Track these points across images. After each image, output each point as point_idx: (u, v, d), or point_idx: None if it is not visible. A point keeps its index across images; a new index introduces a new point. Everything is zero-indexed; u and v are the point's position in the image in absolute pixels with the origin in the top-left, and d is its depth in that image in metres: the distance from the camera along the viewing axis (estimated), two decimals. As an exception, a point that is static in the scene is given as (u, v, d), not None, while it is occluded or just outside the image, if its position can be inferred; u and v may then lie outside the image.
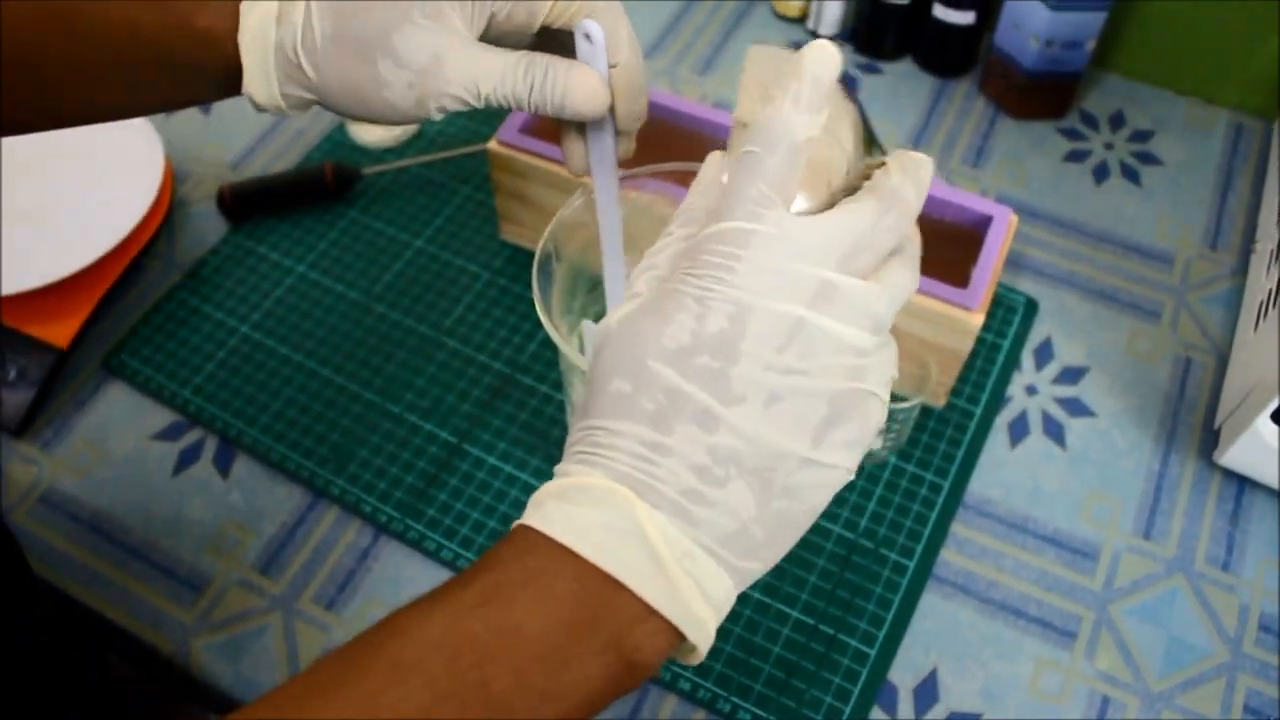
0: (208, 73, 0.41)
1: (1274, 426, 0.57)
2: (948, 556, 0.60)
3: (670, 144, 0.63)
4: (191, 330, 0.70)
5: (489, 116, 0.80)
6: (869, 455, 0.63)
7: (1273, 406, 0.56)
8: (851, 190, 0.32)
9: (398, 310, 0.70)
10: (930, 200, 0.61)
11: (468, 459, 0.63)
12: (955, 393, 0.66)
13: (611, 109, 0.42)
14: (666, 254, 0.33)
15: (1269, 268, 0.65)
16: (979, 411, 0.65)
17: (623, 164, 0.45)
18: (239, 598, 0.59)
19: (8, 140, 0.72)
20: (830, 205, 0.32)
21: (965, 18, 0.78)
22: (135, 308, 0.71)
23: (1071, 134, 0.80)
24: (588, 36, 0.40)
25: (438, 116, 0.41)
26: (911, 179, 0.32)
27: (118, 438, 0.66)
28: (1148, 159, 0.79)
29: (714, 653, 0.56)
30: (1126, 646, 0.57)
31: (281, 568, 0.60)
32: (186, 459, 0.65)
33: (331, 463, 0.63)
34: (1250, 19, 0.75)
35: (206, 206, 0.77)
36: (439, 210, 0.76)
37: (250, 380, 0.67)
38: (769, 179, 0.31)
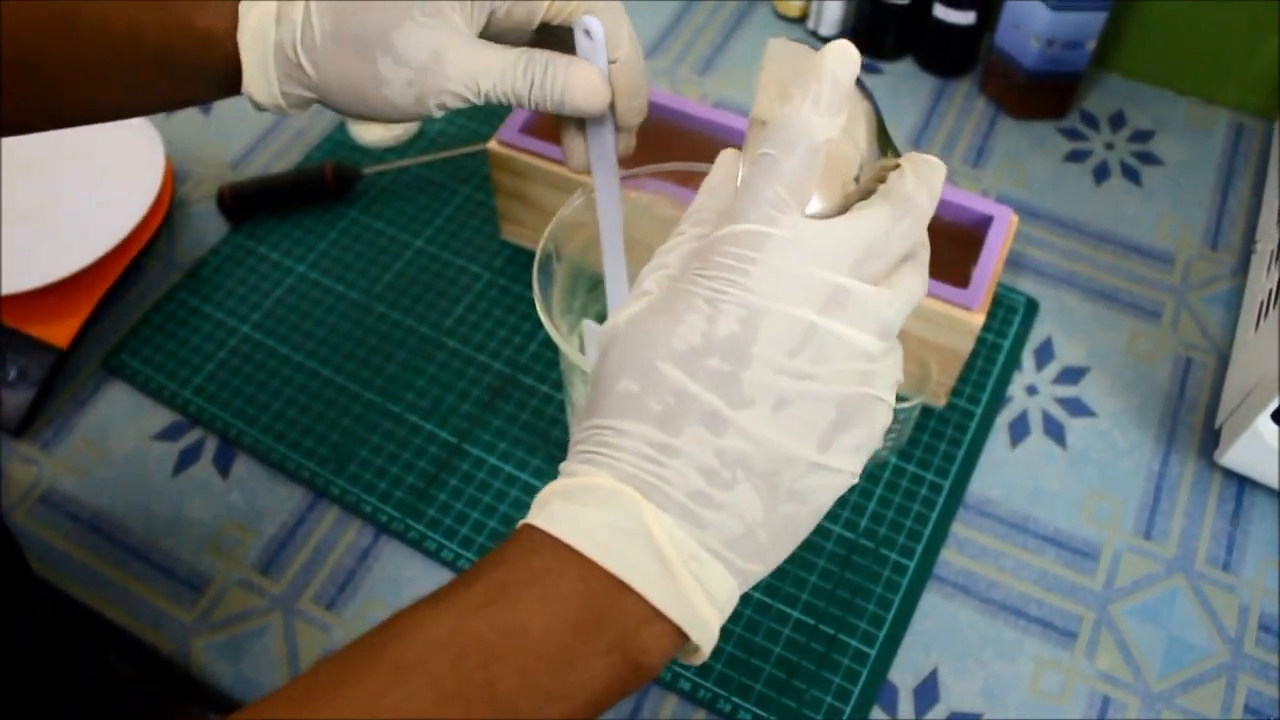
0: (208, 72, 0.41)
1: (1274, 426, 0.57)
2: (948, 556, 0.60)
3: (671, 144, 0.63)
4: (192, 330, 0.70)
5: (489, 116, 0.80)
6: (871, 455, 0.63)
7: (1273, 406, 0.56)
8: (866, 192, 0.32)
9: (398, 310, 0.70)
10: (931, 200, 0.61)
11: (468, 459, 0.63)
12: (956, 393, 0.66)
13: (612, 105, 0.42)
14: (677, 253, 0.33)
15: (1269, 268, 0.65)
16: (979, 411, 0.65)
17: (623, 160, 0.45)
18: (239, 598, 0.59)
19: (8, 140, 0.72)
20: (844, 206, 0.32)
21: (966, 18, 0.78)
22: (135, 308, 0.71)
23: (1072, 134, 0.80)
24: (587, 33, 0.40)
25: (438, 114, 0.41)
26: (925, 185, 0.31)
27: (118, 438, 0.66)
28: (1148, 159, 0.79)
29: (714, 653, 0.56)
30: (1127, 646, 0.57)
31: (282, 568, 0.60)
32: (187, 459, 0.65)
33: (332, 463, 0.63)
34: (1250, 19, 0.75)
35: (207, 206, 0.77)
36: (439, 210, 0.76)
37: (250, 380, 0.67)
38: (785, 181, 0.30)
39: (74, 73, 0.42)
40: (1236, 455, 0.60)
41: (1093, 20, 0.73)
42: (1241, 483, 0.63)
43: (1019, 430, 0.65)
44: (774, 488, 0.30)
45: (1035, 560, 0.60)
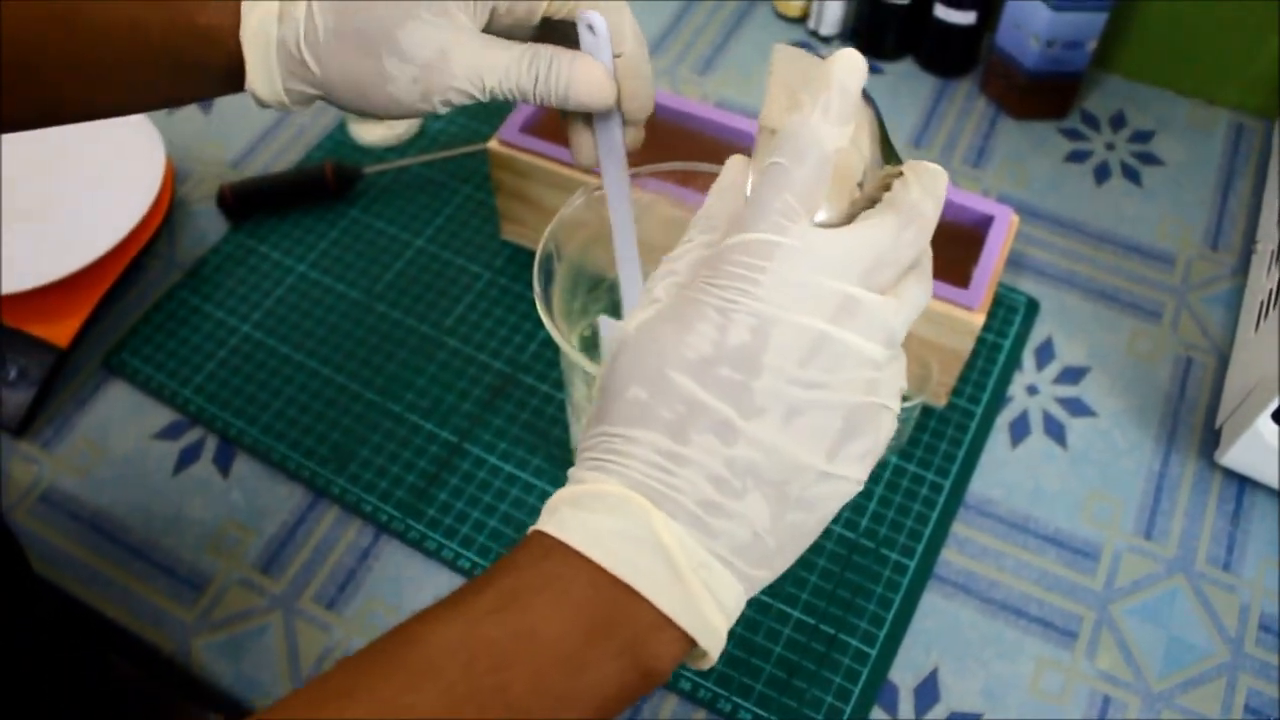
0: (210, 70, 0.41)
1: (1275, 426, 0.57)
2: (949, 556, 0.60)
3: (671, 144, 0.63)
4: (192, 329, 0.70)
5: (490, 116, 0.80)
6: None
7: (1273, 406, 0.56)
8: (870, 200, 0.32)
9: (398, 310, 0.70)
10: (931, 200, 0.61)
11: (468, 459, 0.63)
12: (956, 392, 0.66)
13: (618, 100, 0.42)
14: (686, 260, 0.33)
15: (1269, 268, 0.65)
16: (980, 411, 0.65)
17: (632, 154, 0.45)
18: (239, 597, 0.59)
19: (8, 139, 0.72)
20: (850, 215, 0.32)
21: (966, 18, 0.78)
22: (136, 307, 0.71)
23: (1072, 134, 0.80)
24: (590, 28, 0.40)
25: (442, 110, 0.41)
26: (930, 194, 0.32)
27: (118, 437, 0.66)
28: (1149, 159, 0.79)
29: (715, 652, 0.56)
30: (1127, 646, 0.57)
31: (282, 567, 0.60)
32: (187, 458, 0.65)
33: (332, 462, 0.63)
34: (1251, 19, 0.75)
35: (207, 206, 0.77)
36: (440, 210, 0.76)
37: (251, 379, 0.67)
38: (795, 190, 0.30)
39: (74, 71, 0.42)
40: (1237, 455, 0.60)
41: (1093, 20, 0.73)
42: (1242, 483, 0.63)
43: (1019, 430, 0.65)
44: (783, 496, 0.30)
45: (1036, 560, 0.60)
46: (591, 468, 0.31)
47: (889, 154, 0.33)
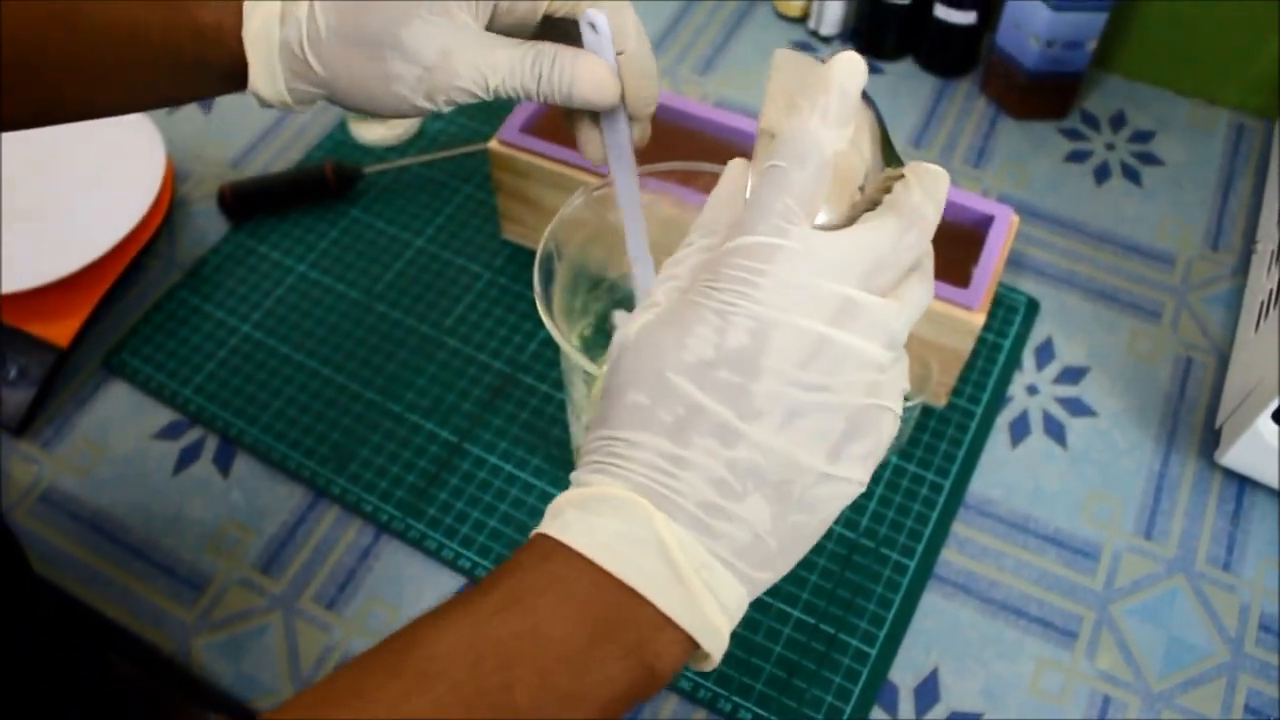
0: (213, 69, 0.41)
1: (1275, 426, 0.57)
2: (949, 556, 0.60)
3: (671, 144, 0.63)
4: (192, 329, 0.70)
5: (490, 115, 0.80)
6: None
7: (1273, 406, 0.56)
8: (871, 202, 0.32)
9: (398, 310, 0.70)
10: (931, 200, 0.61)
11: (468, 458, 0.63)
12: (956, 392, 0.66)
13: (623, 97, 0.42)
14: (686, 264, 0.33)
15: (1269, 268, 0.65)
16: (980, 411, 0.65)
17: (639, 150, 0.45)
18: (240, 597, 0.59)
19: (8, 139, 0.72)
20: (851, 217, 0.32)
21: (966, 18, 0.78)
22: (136, 307, 0.71)
23: (1072, 134, 0.80)
24: (592, 26, 0.40)
25: (446, 109, 0.41)
26: (931, 196, 0.32)
27: (118, 437, 0.66)
28: (1149, 159, 0.79)
29: (715, 652, 0.56)
30: (1127, 646, 0.57)
31: (282, 567, 0.60)
32: (187, 458, 0.65)
33: (332, 462, 0.63)
34: (1251, 19, 0.75)
35: (207, 205, 0.77)
36: (440, 209, 0.76)
37: (251, 379, 0.67)
38: (795, 194, 0.30)
39: (74, 71, 0.42)
40: (1237, 455, 0.60)
41: (1093, 20, 0.73)
42: (1242, 483, 0.63)
43: (1019, 430, 0.65)
44: (784, 498, 0.31)
45: (1036, 560, 0.60)
46: (594, 470, 0.31)
47: (890, 156, 0.33)
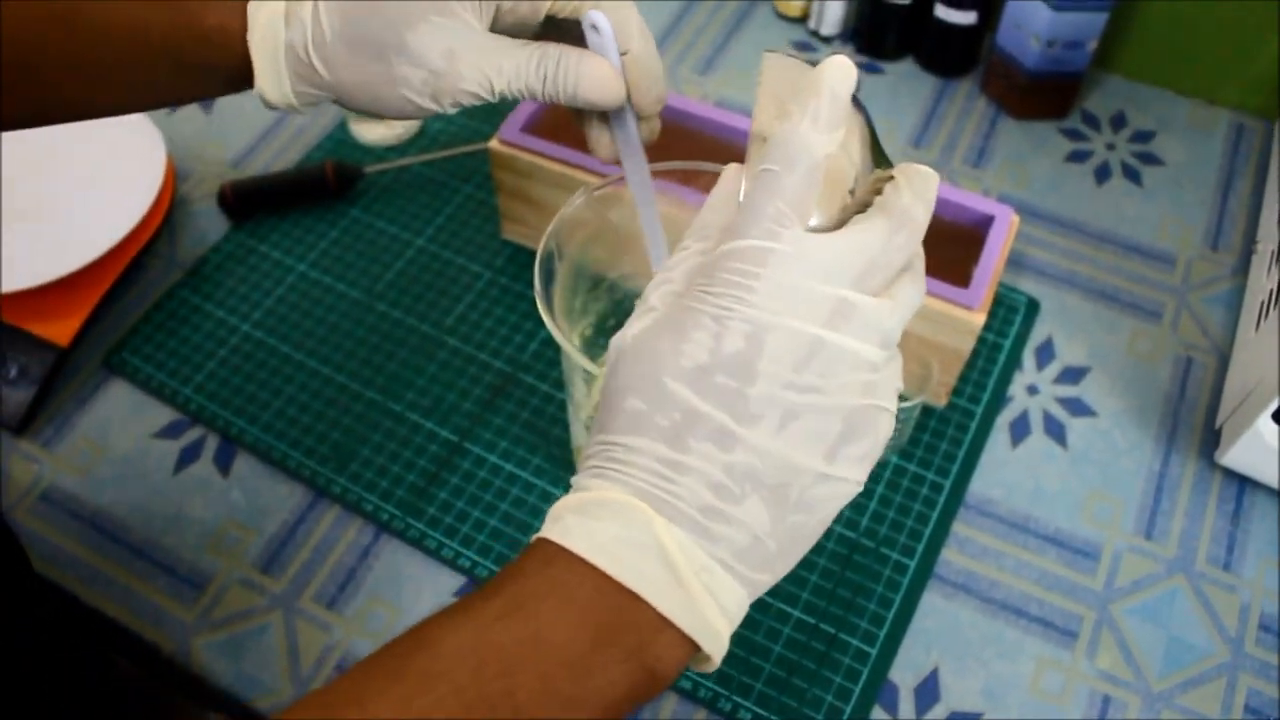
0: (217, 70, 0.41)
1: (1275, 426, 0.57)
2: (949, 556, 0.60)
3: (672, 143, 0.63)
4: (192, 329, 0.70)
5: (490, 115, 0.80)
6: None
7: (1273, 406, 0.56)
8: (862, 204, 0.32)
9: (399, 309, 0.70)
10: (932, 200, 0.61)
11: (469, 458, 0.63)
12: (957, 392, 0.66)
13: (630, 96, 0.42)
14: (682, 269, 0.33)
15: (1270, 268, 0.65)
16: (980, 411, 0.65)
17: (648, 147, 0.45)
18: (240, 596, 0.59)
19: (8, 138, 0.72)
20: (842, 219, 0.32)
21: (967, 18, 0.79)
22: (136, 306, 0.71)
23: (1073, 134, 0.80)
24: (595, 28, 0.40)
25: (451, 111, 0.41)
26: (920, 197, 0.32)
27: (118, 436, 0.66)
28: (1149, 159, 0.79)
29: (715, 652, 0.56)
30: (1127, 646, 0.57)
31: (282, 566, 0.60)
32: (187, 457, 0.65)
33: (332, 461, 0.63)
34: (1251, 20, 0.75)
35: (208, 205, 0.77)
36: (440, 209, 0.76)
37: (251, 379, 0.67)
38: (787, 197, 0.31)
39: (74, 71, 0.42)
40: (1237, 455, 0.60)
41: (1094, 20, 0.73)
42: (1242, 483, 0.63)
43: (1020, 430, 0.65)
44: (782, 500, 0.31)
45: (1036, 560, 0.60)
46: (594, 475, 0.32)
47: (880, 159, 0.33)
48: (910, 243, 0.32)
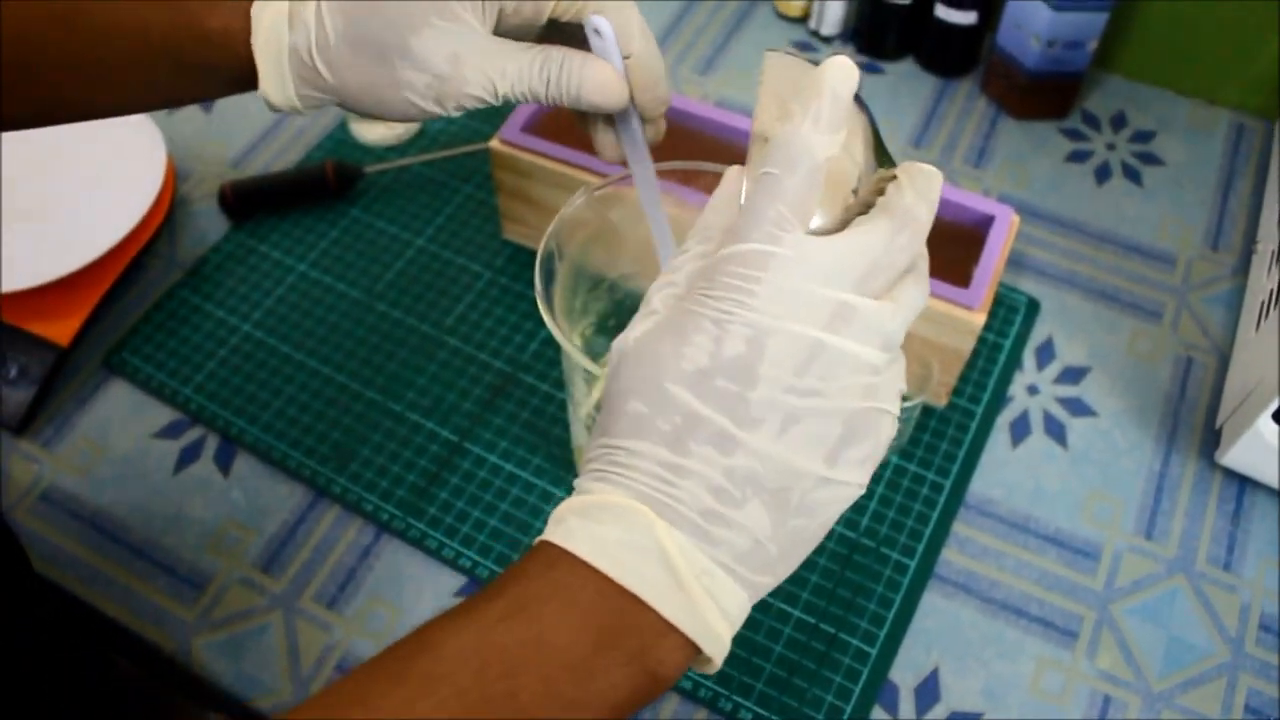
0: (219, 72, 0.41)
1: (1275, 426, 0.57)
2: (949, 556, 0.60)
3: (672, 143, 0.63)
4: (193, 328, 0.70)
5: (491, 115, 0.80)
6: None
7: (1274, 406, 0.56)
8: (864, 204, 0.32)
9: (399, 309, 0.70)
10: (932, 200, 0.61)
11: (469, 458, 0.63)
12: (957, 392, 0.66)
13: (633, 97, 0.42)
14: (684, 272, 0.33)
15: (1270, 268, 0.65)
16: (980, 411, 0.65)
17: (653, 148, 0.45)
18: (240, 596, 0.59)
19: (9, 138, 0.72)
20: (844, 220, 0.32)
21: (967, 18, 0.79)
22: (136, 306, 0.71)
23: (1073, 134, 0.80)
24: (597, 32, 0.40)
25: (455, 114, 0.41)
26: (923, 197, 0.32)
27: (119, 436, 0.66)
28: (1149, 159, 0.79)
29: (715, 652, 0.56)
30: (1128, 646, 0.57)
31: (283, 566, 0.60)
32: (187, 457, 0.65)
33: (333, 461, 0.63)
34: (1251, 20, 0.75)
35: (208, 205, 0.77)
36: (440, 209, 0.76)
37: (251, 379, 0.67)
38: (788, 200, 0.30)
39: (75, 72, 0.42)
40: (1237, 455, 0.60)
41: (1094, 20, 0.73)
42: (1242, 483, 0.63)
43: (1020, 430, 0.65)
44: (783, 503, 0.31)
45: (1036, 560, 0.60)
46: (596, 478, 0.32)
47: (883, 158, 0.33)
48: (913, 243, 0.32)
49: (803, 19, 0.87)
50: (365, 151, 0.79)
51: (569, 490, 0.62)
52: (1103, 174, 0.78)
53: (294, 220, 0.75)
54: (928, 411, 0.65)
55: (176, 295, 0.71)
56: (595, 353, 0.57)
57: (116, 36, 0.41)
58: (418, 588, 0.59)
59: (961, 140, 0.80)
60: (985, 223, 0.61)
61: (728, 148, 0.65)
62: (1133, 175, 0.78)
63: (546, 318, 0.46)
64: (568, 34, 0.42)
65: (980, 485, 0.63)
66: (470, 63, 0.39)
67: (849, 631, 0.57)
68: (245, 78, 0.41)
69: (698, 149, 0.64)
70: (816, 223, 0.32)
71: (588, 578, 0.30)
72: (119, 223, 0.69)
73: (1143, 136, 0.80)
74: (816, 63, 0.32)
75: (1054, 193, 0.77)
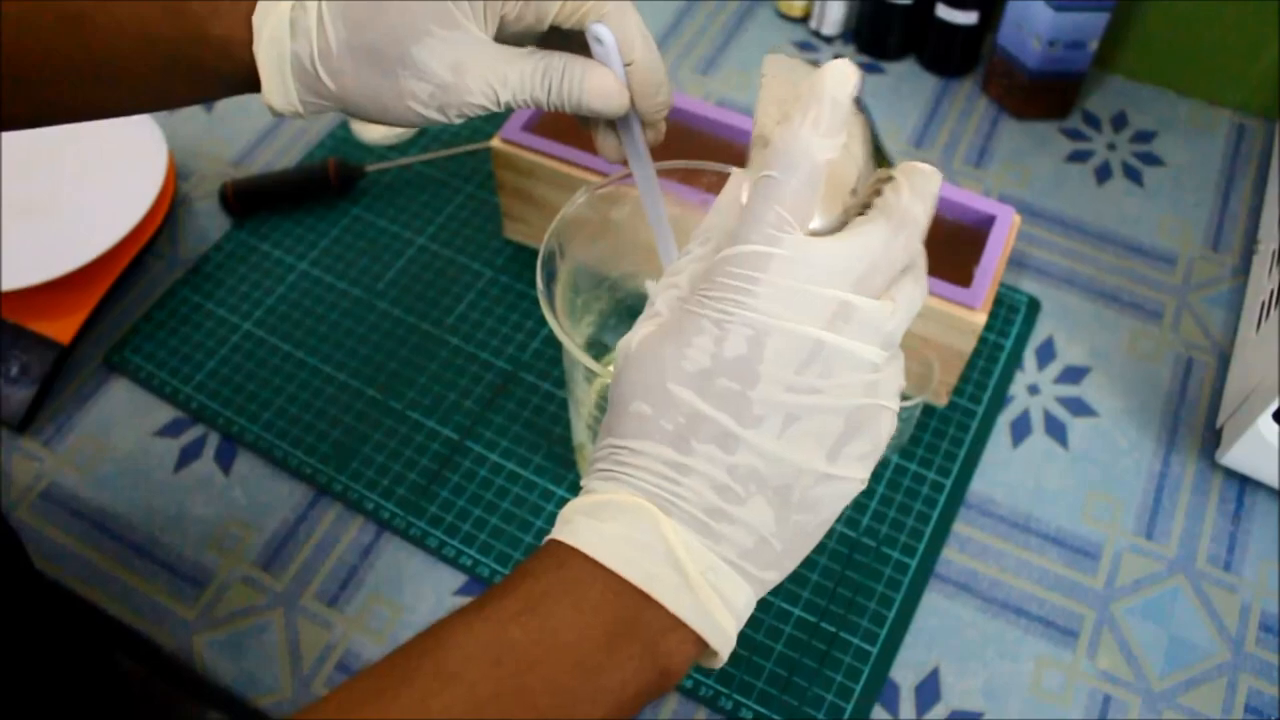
0: (223, 76, 0.41)
1: (1275, 426, 0.57)
2: (950, 555, 0.60)
3: (673, 143, 0.63)
4: (194, 327, 0.70)
5: (493, 114, 0.80)
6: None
7: (1274, 406, 0.56)
8: (863, 204, 0.33)
9: (400, 308, 0.70)
10: (933, 199, 0.61)
11: (470, 456, 0.63)
12: (958, 392, 0.66)
13: (634, 103, 0.42)
14: (686, 274, 0.34)
15: (1270, 268, 0.65)
16: (981, 411, 0.65)
17: (653, 151, 0.45)
18: (241, 594, 0.59)
19: (10, 136, 0.72)
20: (843, 220, 0.32)
21: (968, 18, 0.79)
22: (138, 304, 0.71)
23: (1074, 134, 0.80)
24: (599, 40, 0.40)
25: (457, 121, 0.41)
26: (921, 197, 0.32)
27: (120, 434, 0.66)
28: (1150, 160, 0.79)
29: (716, 651, 0.56)
30: (1128, 646, 0.57)
31: (284, 564, 0.60)
32: (188, 455, 0.65)
33: (333, 460, 0.63)
34: (1252, 20, 0.75)
35: (209, 203, 0.77)
36: (442, 208, 0.76)
37: (252, 377, 0.67)
38: (787, 203, 0.31)
39: (80, 74, 0.42)
40: (1238, 455, 0.60)
41: (1095, 21, 0.73)
42: (1243, 482, 0.63)
43: (1020, 429, 0.65)
44: (786, 499, 0.31)
45: (1037, 559, 0.60)
46: (602, 478, 0.32)
47: (882, 159, 0.34)
48: (911, 243, 0.32)
49: (804, 19, 0.87)
50: (367, 150, 0.79)
51: (570, 489, 0.62)
52: (1103, 174, 0.78)
53: (295, 219, 0.75)
54: (928, 411, 0.65)
55: (178, 294, 0.71)
56: (597, 351, 0.57)
57: (118, 39, 0.40)
58: (418, 586, 0.59)
59: (962, 140, 0.80)
60: (986, 222, 0.61)
61: (728, 147, 0.65)
62: (1133, 175, 0.78)
63: (548, 316, 0.46)
64: (568, 39, 0.42)
65: (981, 485, 0.63)
66: (472, 71, 0.39)
67: (850, 630, 0.57)
68: (248, 82, 0.41)
69: (698, 149, 0.64)
70: (816, 223, 0.32)
71: (596, 574, 0.31)
72: (120, 221, 0.69)
73: (1143, 136, 0.80)
74: (817, 64, 0.32)
75: (1055, 193, 0.77)
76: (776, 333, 0.30)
